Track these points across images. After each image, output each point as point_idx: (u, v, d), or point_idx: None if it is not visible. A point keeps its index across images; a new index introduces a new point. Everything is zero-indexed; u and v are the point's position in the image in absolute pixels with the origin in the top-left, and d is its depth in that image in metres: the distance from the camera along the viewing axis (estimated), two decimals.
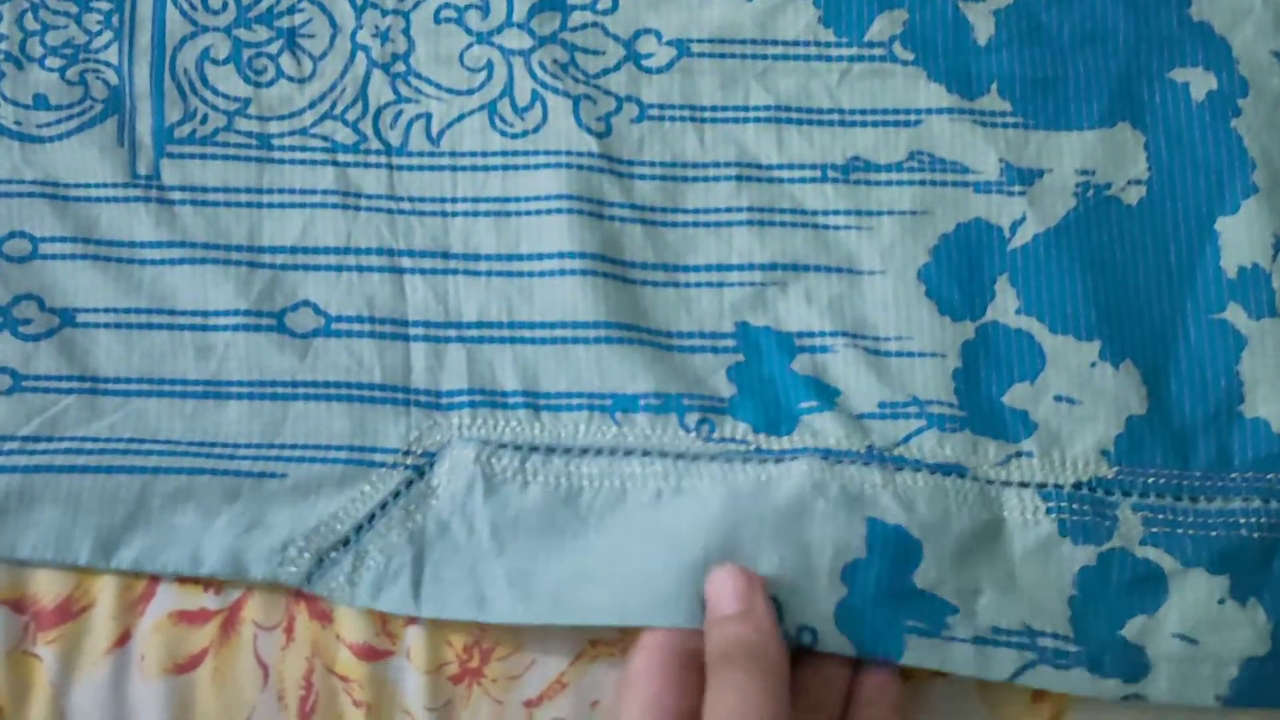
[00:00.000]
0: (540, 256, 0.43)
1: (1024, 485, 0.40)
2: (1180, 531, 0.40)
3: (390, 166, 0.45)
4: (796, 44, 0.46)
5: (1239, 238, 0.42)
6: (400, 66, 0.46)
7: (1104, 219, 0.43)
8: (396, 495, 0.41)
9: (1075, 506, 0.40)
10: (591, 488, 0.41)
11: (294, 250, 0.44)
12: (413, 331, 0.43)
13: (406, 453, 0.41)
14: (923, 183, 0.44)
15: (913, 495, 0.40)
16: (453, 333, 0.43)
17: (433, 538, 0.40)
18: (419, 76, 0.45)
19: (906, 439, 0.41)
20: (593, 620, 0.39)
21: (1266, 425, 0.41)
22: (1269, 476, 0.40)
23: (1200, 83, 0.44)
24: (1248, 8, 0.44)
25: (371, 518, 0.41)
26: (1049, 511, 0.40)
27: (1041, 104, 0.44)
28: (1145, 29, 0.45)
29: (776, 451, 0.41)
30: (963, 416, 0.41)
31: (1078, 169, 0.43)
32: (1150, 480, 0.40)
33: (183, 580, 0.41)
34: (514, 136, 0.45)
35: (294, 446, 0.42)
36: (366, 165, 0.45)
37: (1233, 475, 0.41)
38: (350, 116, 0.45)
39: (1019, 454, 0.41)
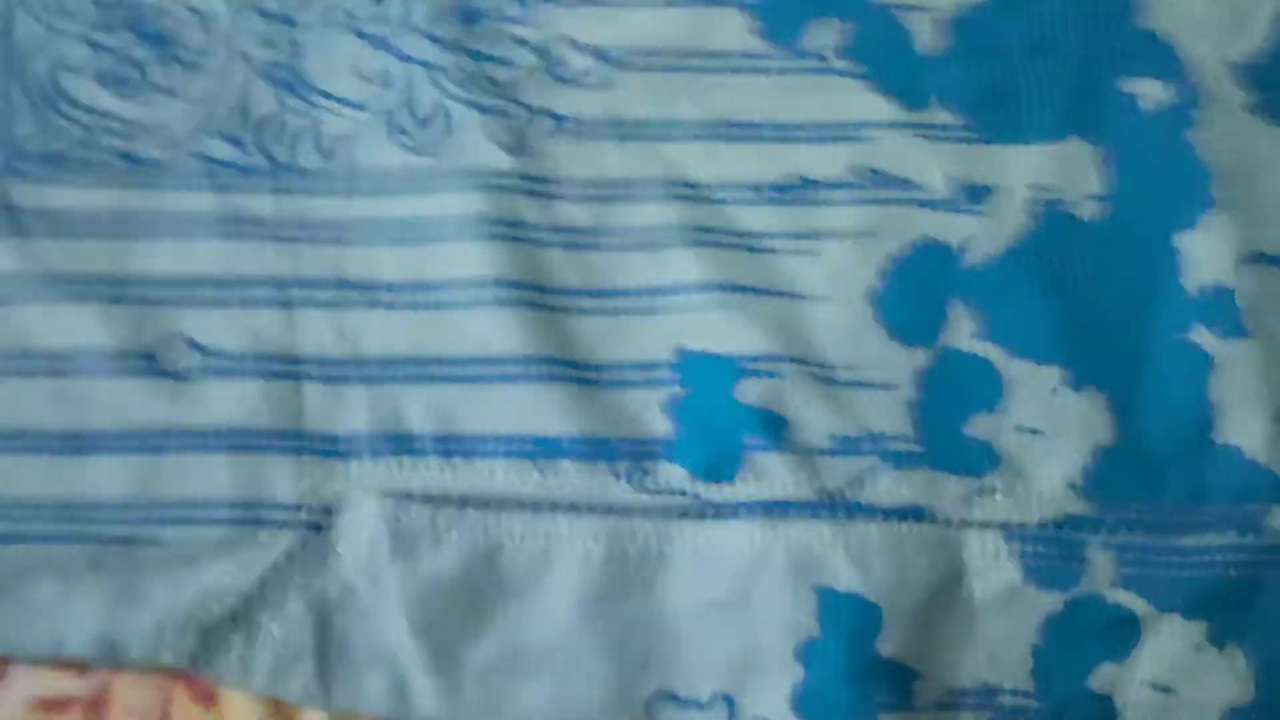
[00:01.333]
0: (451, 285, 0.39)
1: (986, 526, 0.37)
2: (1155, 572, 0.37)
3: (275, 188, 0.40)
4: (729, 55, 0.42)
5: (1200, 254, 0.40)
6: (286, 74, 0.41)
7: (1060, 237, 0.40)
8: (291, 558, 0.37)
9: (1042, 549, 0.37)
10: (512, 545, 0.37)
11: (166, 283, 0.39)
12: (305, 370, 0.38)
13: (300, 507, 0.37)
14: (867, 201, 0.41)
15: (867, 552, 0.37)
16: (351, 371, 0.38)
17: (337, 607, 0.36)
18: (307, 85, 0.41)
19: (860, 479, 0.38)
20: None
21: (1239, 452, 0.38)
22: (1245, 508, 0.38)
23: (1153, 93, 0.42)
24: (1198, 16, 0.42)
25: (263, 586, 0.36)
26: (1014, 555, 0.37)
27: (990, 117, 0.42)
28: (1095, 39, 0.42)
29: (718, 504, 0.38)
30: (920, 452, 0.38)
31: (1030, 184, 0.41)
32: (1122, 516, 0.38)
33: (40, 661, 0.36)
34: (416, 152, 0.40)
35: (170, 505, 0.37)
36: (249, 185, 0.40)
37: (1207, 508, 0.38)
38: (229, 131, 0.40)
39: (983, 490, 0.38)
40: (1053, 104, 0.42)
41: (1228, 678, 0.37)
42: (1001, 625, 0.37)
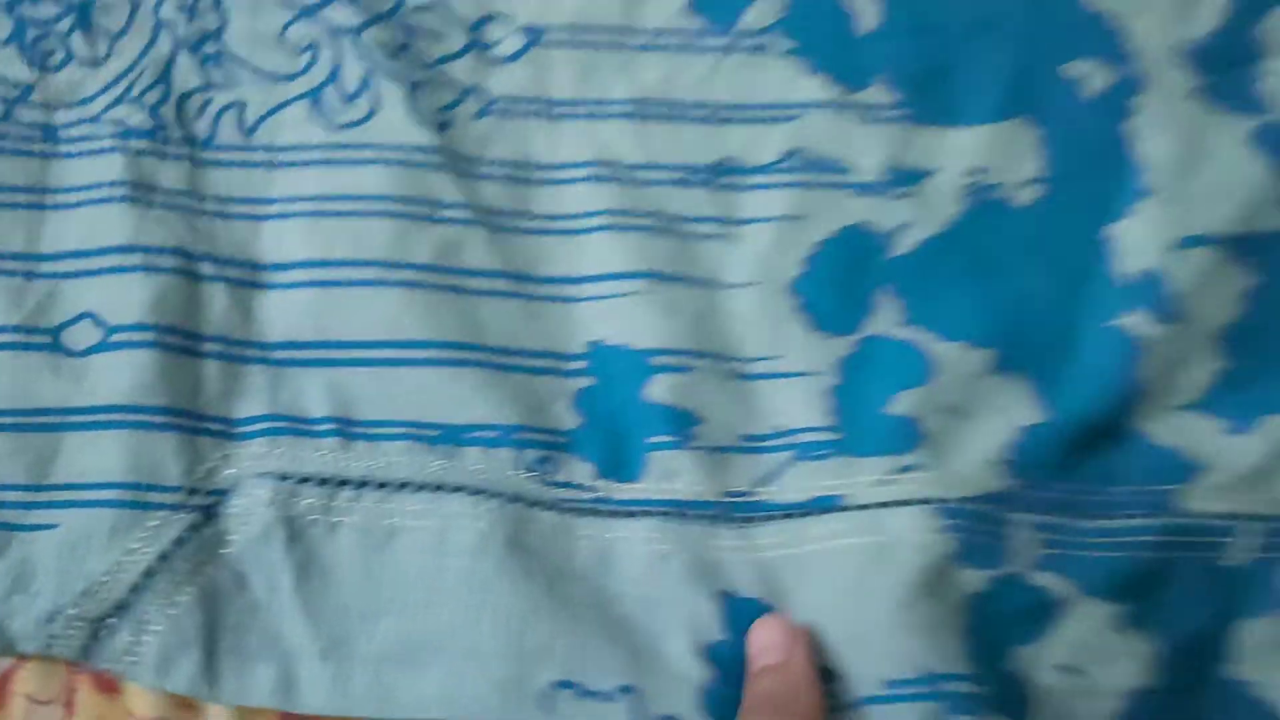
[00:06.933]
0: (360, 264, 0.38)
1: (909, 503, 0.36)
2: (1074, 553, 0.37)
3: (194, 160, 0.40)
4: (663, 32, 0.41)
5: (1130, 241, 0.39)
6: (211, 47, 0.40)
7: (995, 222, 0.39)
8: (181, 544, 0.36)
9: (963, 523, 0.36)
10: (410, 530, 0.36)
11: (77, 254, 0.38)
12: (207, 348, 0.38)
13: (192, 490, 0.36)
14: (798, 185, 0.40)
15: (769, 558, 0.36)
16: (254, 352, 0.38)
17: (227, 596, 0.36)
18: (232, 58, 0.40)
19: (769, 476, 0.37)
20: (420, 714, 0.35)
21: (1153, 435, 0.38)
22: (1161, 488, 0.37)
23: (1096, 76, 0.40)
24: None
25: (151, 574, 0.35)
26: (945, 530, 0.36)
27: (930, 97, 0.40)
28: (1040, 18, 0.41)
29: (619, 501, 0.37)
30: (838, 440, 0.37)
31: (967, 168, 0.40)
32: (1042, 495, 0.37)
33: None
34: (340, 128, 0.40)
35: (67, 488, 0.36)
36: (165, 156, 0.39)
37: (1126, 488, 0.38)
38: (149, 101, 0.40)
39: (905, 468, 0.37)
40: (992, 85, 0.40)
41: (1134, 661, 0.36)
42: (934, 605, 0.36)
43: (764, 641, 0.35)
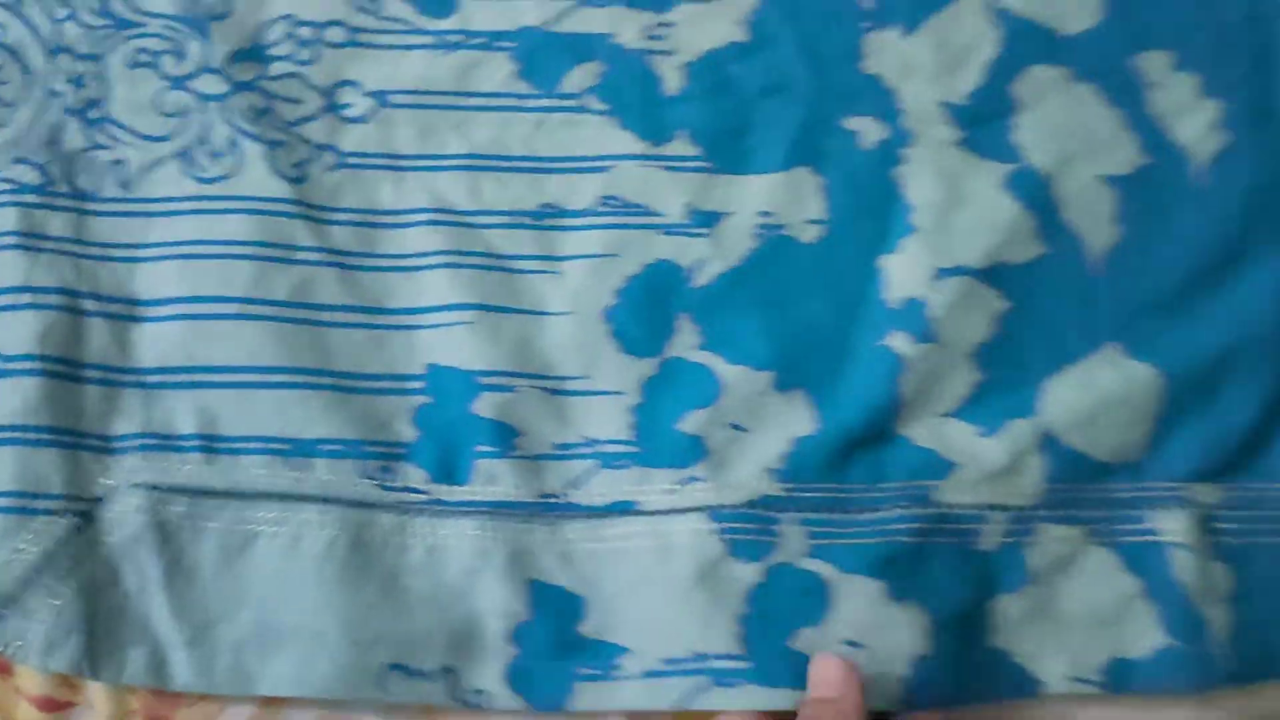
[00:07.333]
0: (225, 300, 0.43)
1: (694, 510, 0.42)
2: (840, 542, 0.41)
3: (79, 211, 0.44)
4: (494, 95, 0.47)
5: (900, 273, 0.44)
6: (95, 112, 0.45)
7: (782, 257, 0.45)
8: (63, 544, 0.40)
9: (742, 526, 0.41)
10: (268, 535, 0.41)
11: None
12: (88, 374, 0.42)
13: (73, 498, 0.40)
14: (612, 226, 0.45)
15: (575, 550, 0.41)
16: (130, 377, 0.42)
17: (104, 589, 0.40)
18: (115, 123, 0.45)
19: (578, 481, 0.42)
20: (275, 692, 0.40)
21: (913, 439, 0.43)
22: (920, 484, 0.42)
23: (871, 131, 0.46)
24: (915, 62, 0.47)
25: (37, 570, 0.40)
26: (717, 533, 0.41)
27: (727, 150, 0.46)
28: (824, 80, 0.47)
29: (450, 502, 0.42)
30: (635, 452, 0.43)
31: (759, 210, 0.45)
32: (812, 495, 0.42)
33: None
34: (208, 181, 0.45)
35: None
36: (54, 208, 0.44)
37: (888, 485, 0.42)
38: (41, 160, 0.44)
39: (690, 480, 0.42)
40: (781, 139, 0.46)
41: (910, 631, 0.41)
42: (711, 596, 0.41)
43: (822, 675, 0.38)
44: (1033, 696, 0.41)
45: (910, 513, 0.42)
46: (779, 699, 0.40)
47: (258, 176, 0.45)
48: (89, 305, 0.43)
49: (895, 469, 0.43)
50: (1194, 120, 0.47)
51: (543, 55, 0.47)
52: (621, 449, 0.43)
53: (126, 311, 0.43)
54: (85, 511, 0.41)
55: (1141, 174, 0.46)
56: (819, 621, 0.41)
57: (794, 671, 0.40)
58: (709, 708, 0.40)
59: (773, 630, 0.41)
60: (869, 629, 0.41)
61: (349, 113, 0.46)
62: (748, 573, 0.41)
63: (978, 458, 0.43)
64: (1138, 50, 0.48)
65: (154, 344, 0.42)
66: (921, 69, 0.47)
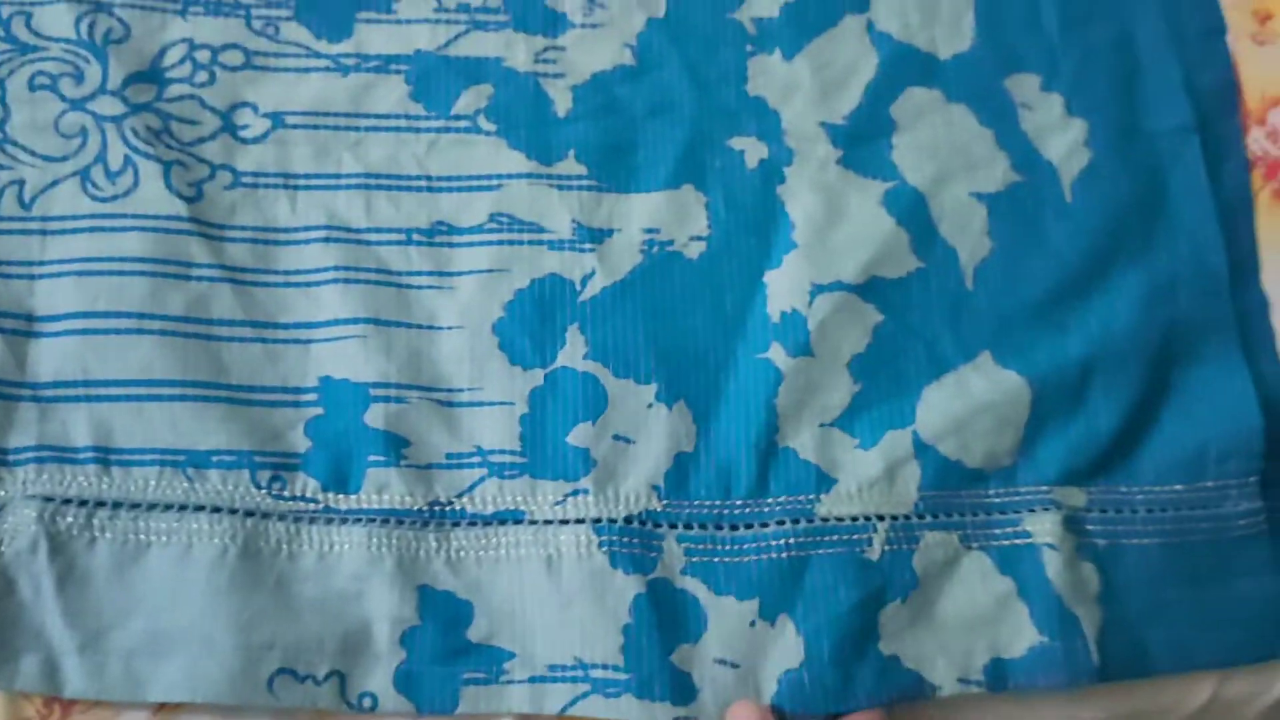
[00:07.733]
0: (120, 315, 0.44)
1: (579, 522, 0.43)
2: (716, 560, 0.43)
3: None
4: (388, 116, 0.48)
5: (781, 287, 0.46)
6: None
7: (666, 272, 0.46)
8: None
9: (625, 539, 0.42)
10: (160, 544, 0.41)
11: None
12: None
13: None
14: (501, 243, 0.46)
15: (464, 557, 0.42)
16: (26, 391, 0.43)
17: None
18: (14, 144, 0.46)
19: (468, 489, 0.43)
20: (165, 698, 0.40)
21: (795, 453, 0.44)
22: (800, 498, 0.44)
23: (754, 151, 0.48)
24: (798, 84, 0.49)
25: None
26: (601, 545, 0.42)
27: (614, 169, 0.48)
28: (709, 102, 0.49)
29: (342, 510, 0.43)
30: (524, 462, 0.44)
31: (645, 227, 0.47)
32: (693, 511, 0.43)
33: None
34: (104, 200, 0.46)
35: None
36: None
37: (769, 500, 0.44)
38: None
39: (576, 492, 0.43)
40: (666, 158, 0.48)
41: (781, 646, 0.42)
42: (594, 607, 0.42)
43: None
44: (928, 699, 0.42)
45: (791, 528, 0.43)
46: (658, 713, 0.41)
47: (154, 195, 0.46)
48: None
49: (778, 484, 0.44)
50: (1062, 138, 0.49)
51: (435, 78, 0.48)
52: (510, 459, 0.44)
53: (24, 327, 0.44)
54: None
55: (1012, 190, 0.48)
56: (696, 639, 0.42)
57: (674, 686, 0.41)
58: (591, 714, 0.41)
59: (652, 644, 0.41)
60: (740, 648, 0.41)
61: (246, 133, 0.47)
62: (630, 585, 0.42)
63: (857, 470, 0.44)
64: (1009, 72, 0.50)
65: (50, 358, 0.43)
66: (803, 91, 0.49)
